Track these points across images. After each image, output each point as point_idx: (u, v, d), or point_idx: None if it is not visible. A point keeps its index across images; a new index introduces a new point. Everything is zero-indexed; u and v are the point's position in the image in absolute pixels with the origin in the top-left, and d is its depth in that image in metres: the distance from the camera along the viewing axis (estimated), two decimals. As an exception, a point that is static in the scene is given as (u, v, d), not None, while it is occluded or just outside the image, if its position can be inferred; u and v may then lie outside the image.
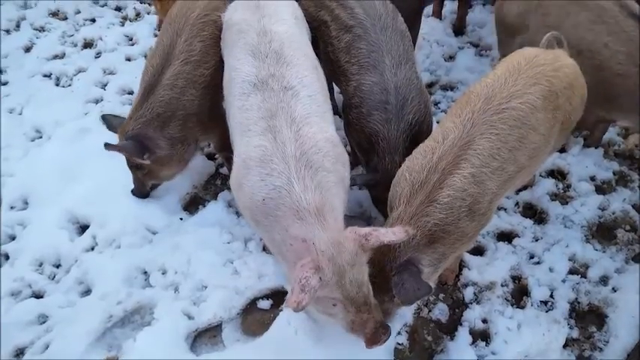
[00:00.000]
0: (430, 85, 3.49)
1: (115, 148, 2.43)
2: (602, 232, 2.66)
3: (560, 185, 2.86)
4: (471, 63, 3.59)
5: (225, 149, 2.81)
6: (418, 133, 2.29)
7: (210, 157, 3.14)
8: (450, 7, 4.00)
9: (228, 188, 2.95)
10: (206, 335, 2.37)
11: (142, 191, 2.77)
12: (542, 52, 2.18)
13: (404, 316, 2.33)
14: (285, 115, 1.95)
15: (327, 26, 2.56)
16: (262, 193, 1.85)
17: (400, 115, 2.28)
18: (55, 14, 4.34)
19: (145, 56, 3.90)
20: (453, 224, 1.88)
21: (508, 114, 1.95)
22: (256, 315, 2.43)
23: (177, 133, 2.52)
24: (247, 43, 2.20)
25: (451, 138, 1.93)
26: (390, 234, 1.76)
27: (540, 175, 2.88)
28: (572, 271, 2.50)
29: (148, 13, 4.26)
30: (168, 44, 2.49)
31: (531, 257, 2.57)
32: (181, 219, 2.79)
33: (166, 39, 2.51)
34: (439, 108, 3.32)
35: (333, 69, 2.57)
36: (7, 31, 4.26)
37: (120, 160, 2.59)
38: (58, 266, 2.63)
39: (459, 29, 3.85)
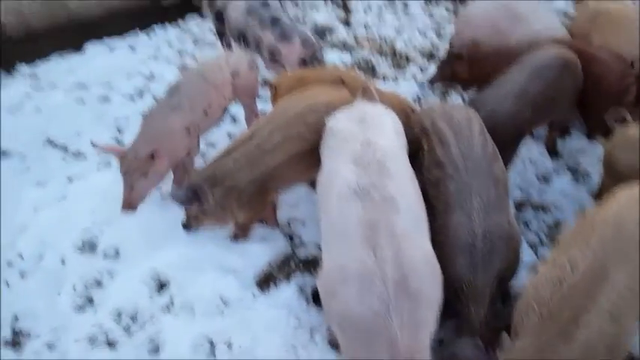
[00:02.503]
0: (521, 204, 3.42)
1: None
2: None
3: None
4: (566, 187, 3.49)
5: (242, 230, 3.04)
6: (502, 281, 2.16)
7: (290, 237, 3.22)
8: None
9: (302, 272, 3.00)
10: (258, 420, 2.31)
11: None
12: None
13: None
14: (385, 229, 1.97)
15: (422, 154, 2.56)
16: (358, 310, 1.84)
17: (487, 261, 2.13)
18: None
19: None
20: None
21: None
22: (310, 412, 2.34)
23: (219, 198, 2.72)
24: (351, 151, 2.32)
25: (582, 268, 1.85)
26: None
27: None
28: None
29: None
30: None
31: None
32: (254, 295, 2.83)
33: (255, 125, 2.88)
34: (529, 228, 3.23)
35: None
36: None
37: (209, 232, 2.78)
38: (134, 319, 2.74)
39: (551, 149, 3.81)
